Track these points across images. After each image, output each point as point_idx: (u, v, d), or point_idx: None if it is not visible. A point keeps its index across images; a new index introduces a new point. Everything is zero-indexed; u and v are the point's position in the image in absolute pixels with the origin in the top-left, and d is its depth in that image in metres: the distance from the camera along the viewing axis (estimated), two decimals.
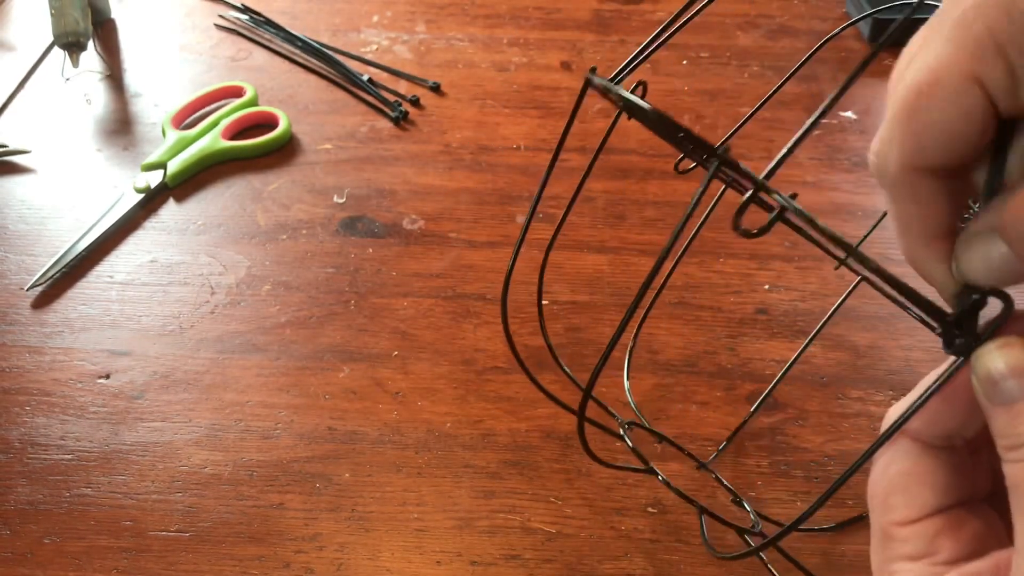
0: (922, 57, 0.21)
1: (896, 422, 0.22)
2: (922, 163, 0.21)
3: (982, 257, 0.21)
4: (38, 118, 0.68)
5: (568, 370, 0.42)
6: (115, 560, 0.42)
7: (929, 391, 0.22)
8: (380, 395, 0.49)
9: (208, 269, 0.56)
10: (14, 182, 0.63)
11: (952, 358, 0.22)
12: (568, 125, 0.31)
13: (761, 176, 0.21)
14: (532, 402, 0.48)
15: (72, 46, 0.68)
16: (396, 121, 0.67)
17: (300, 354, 0.51)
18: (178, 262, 0.56)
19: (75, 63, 0.69)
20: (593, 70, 0.26)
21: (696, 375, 0.49)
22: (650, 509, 0.43)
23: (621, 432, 0.39)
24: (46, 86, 0.71)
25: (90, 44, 0.70)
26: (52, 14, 0.68)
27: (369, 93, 0.69)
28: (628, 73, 0.29)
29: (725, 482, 0.42)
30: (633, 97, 0.23)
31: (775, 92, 0.42)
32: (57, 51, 0.72)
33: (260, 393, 0.49)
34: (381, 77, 0.72)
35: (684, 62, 0.72)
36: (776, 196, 0.20)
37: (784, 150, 0.21)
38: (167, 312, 0.53)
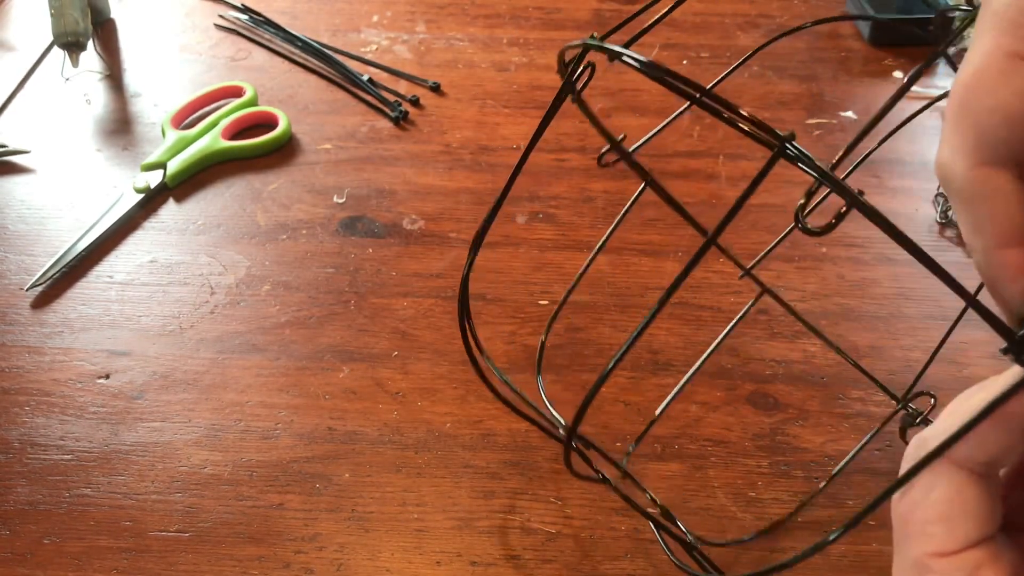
0: (966, 59, 0.21)
1: (945, 441, 0.21)
2: (989, 156, 0.20)
3: None
4: (38, 118, 0.68)
5: (507, 379, 0.42)
6: (115, 560, 0.42)
7: (986, 409, 0.21)
8: (380, 395, 0.49)
9: (208, 269, 0.56)
10: (14, 182, 0.63)
11: (1003, 381, 0.21)
12: (549, 114, 0.30)
13: (828, 167, 0.20)
14: (533, 402, 0.48)
15: (72, 46, 0.68)
16: (396, 121, 0.67)
17: (300, 354, 0.51)
18: (178, 262, 0.56)
19: (75, 63, 0.69)
20: (593, 36, 0.26)
21: (696, 375, 0.49)
22: (650, 510, 0.43)
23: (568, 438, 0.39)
24: (46, 86, 0.71)
25: (90, 44, 0.70)
26: (52, 14, 0.68)
27: (369, 93, 0.69)
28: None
29: (649, 492, 0.42)
30: (637, 55, 0.23)
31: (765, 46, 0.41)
32: (57, 51, 0.72)
33: (260, 393, 0.49)
34: (381, 77, 0.72)
35: (684, 62, 0.72)
36: (844, 192, 0.20)
37: (856, 136, 0.21)
38: (167, 312, 0.53)
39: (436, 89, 0.70)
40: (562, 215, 0.59)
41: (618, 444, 0.46)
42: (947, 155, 0.21)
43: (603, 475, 0.39)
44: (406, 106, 0.68)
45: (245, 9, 0.78)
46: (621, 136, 0.30)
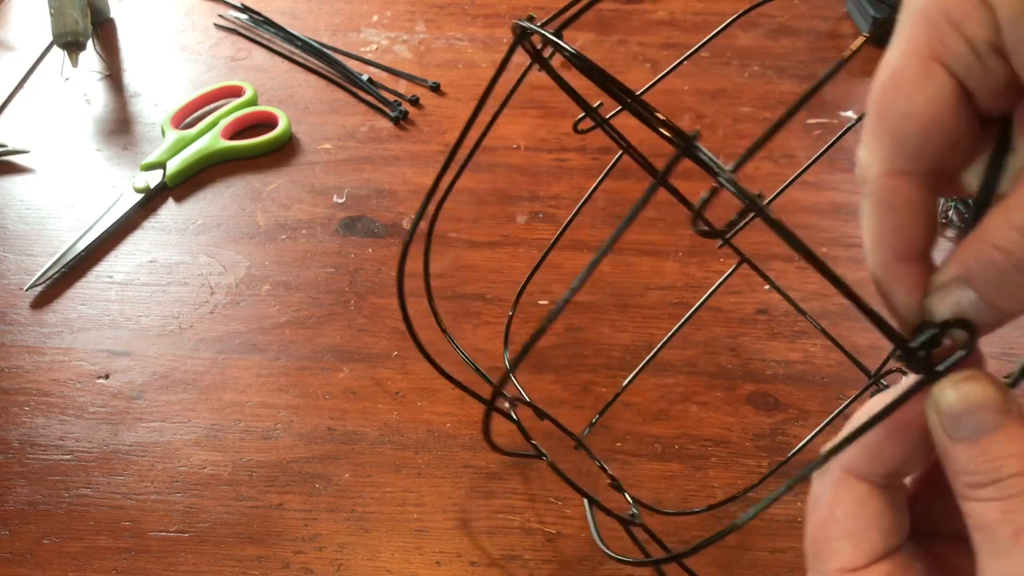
0: (885, 58, 0.20)
1: (831, 448, 0.21)
2: (903, 164, 0.20)
3: (952, 305, 0.20)
4: (38, 118, 0.68)
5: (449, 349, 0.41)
6: (115, 560, 0.42)
7: (874, 417, 0.21)
8: (380, 395, 0.49)
9: (208, 269, 0.56)
10: (13, 182, 0.63)
11: (895, 388, 0.21)
12: (496, 76, 0.29)
13: (728, 169, 0.20)
14: (533, 403, 0.48)
15: (71, 46, 0.68)
16: (396, 121, 0.67)
17: (300, 354, 0.51)
18: (177, 262, 0.56)
19: (74, 63, 0.69)
20: (530, 18, 0.25)
21: (696, 375, 0.49)
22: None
23: (507, 407, 0.38)
24: (46, 86, 0.71)
25: (89, 44, 0.70)
26: (52, 14, 0.68)
27: (369, 93, 0.69)
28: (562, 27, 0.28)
29: (600, 462, 0.42)
30: (567, 45, 0.22)
31: (693, 52, 0.41)
32: (57, 51, 0.72)
33: (260, 393, 0.49)
34: (381, 77, 0.71)
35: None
36: (743, 194, 0.19)
37: (756, 142, 0.20)
38: (166, 312, 0.53)
39: (436, 89, 0.70)
40: (562, 215, 0.59)
41: (618, 444, 0.46)
42: (864, 157, 0.21)
43: (538, 447, 0.38)
44: (406, 106, 0.68)
45: (245, 9, 0.78)
46: (597, 104, 0.29)
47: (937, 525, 0.23)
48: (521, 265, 0.56)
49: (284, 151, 0.65)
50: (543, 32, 0.24)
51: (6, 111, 0.69)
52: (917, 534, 0.22)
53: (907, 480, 0.23)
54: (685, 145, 0.20)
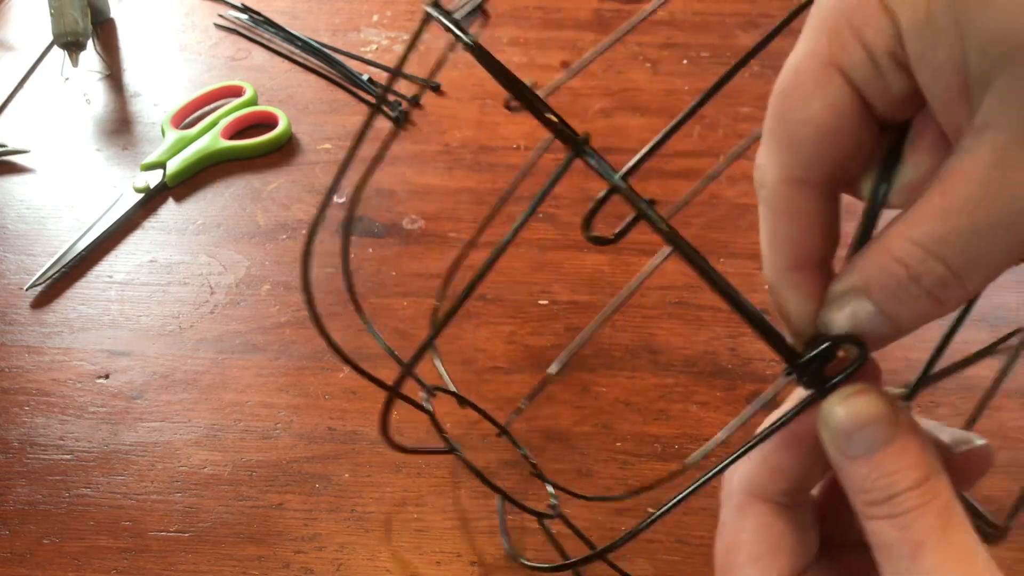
0: (788, 59, 0.20)
1: (728, 459, 0.21)
2: (800, 172, 0.20)
3: (849, 316, 0.19)
4: (38, 118, 0.68)
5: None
6: (115, 560, 0.42)
7: (768, 429, 0.20)
8: (380, 395, 0.48)
9: (208, 269, 0.56)
10: (13, 182, 0.63)
11: (788, 402, 0.20)
12: (406, 53, 0.29)
13: (620, 174, 0.19)
14: (533, 403, 0.48)
15: (71, 46, 0.68)
16: (396, 121, 0.67)
17: (300, 354, 0.51)
18: (177, 262, 0.56)
19: (74, 63, 0.69)
20: (435, 3, 0.25)
21: (696, 375, 0.49)
22: (650, 509, 0.43)
23: (424, 397, 0.38)
24: (46, 86, 0.71)
25: (89, 44, 0.70)
26: (52, 14, 0.68)
27: (369, 93, 0.69)
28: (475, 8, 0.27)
29: (524, 450, 0.42)
30: (461, 33, 0.22)
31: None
32: (57, 51, 0.72)
33: (260, 393, 0.49)
34: (381, 77, 0.71)
35: (684, 61, 0.72)
36: (634, 200, 0.18)
37: (653, 142, 0.20)
38: (166, 312, 0.53)
39: (436, 89, 0.70)
40: (562, 215, 0.59)
41: (618, 444, 0.46)
42: (762, 160, 0.21)
43: (449, 441, 0.37)
44: (406, 106, 0.68)
45: (245, 9, 0.78)
46: (531, 81, 0.29)
47: (848, 535, 0.22)
48: (522, 265, 0.56)
49: (284, 151, 0.65)
50: (442, 20, 0.23)
51: (6, 111, 0.69)
52: (830, 545, 0.22)
53: (814, 491, 0.22)
54: (576, 148, 0.19)
